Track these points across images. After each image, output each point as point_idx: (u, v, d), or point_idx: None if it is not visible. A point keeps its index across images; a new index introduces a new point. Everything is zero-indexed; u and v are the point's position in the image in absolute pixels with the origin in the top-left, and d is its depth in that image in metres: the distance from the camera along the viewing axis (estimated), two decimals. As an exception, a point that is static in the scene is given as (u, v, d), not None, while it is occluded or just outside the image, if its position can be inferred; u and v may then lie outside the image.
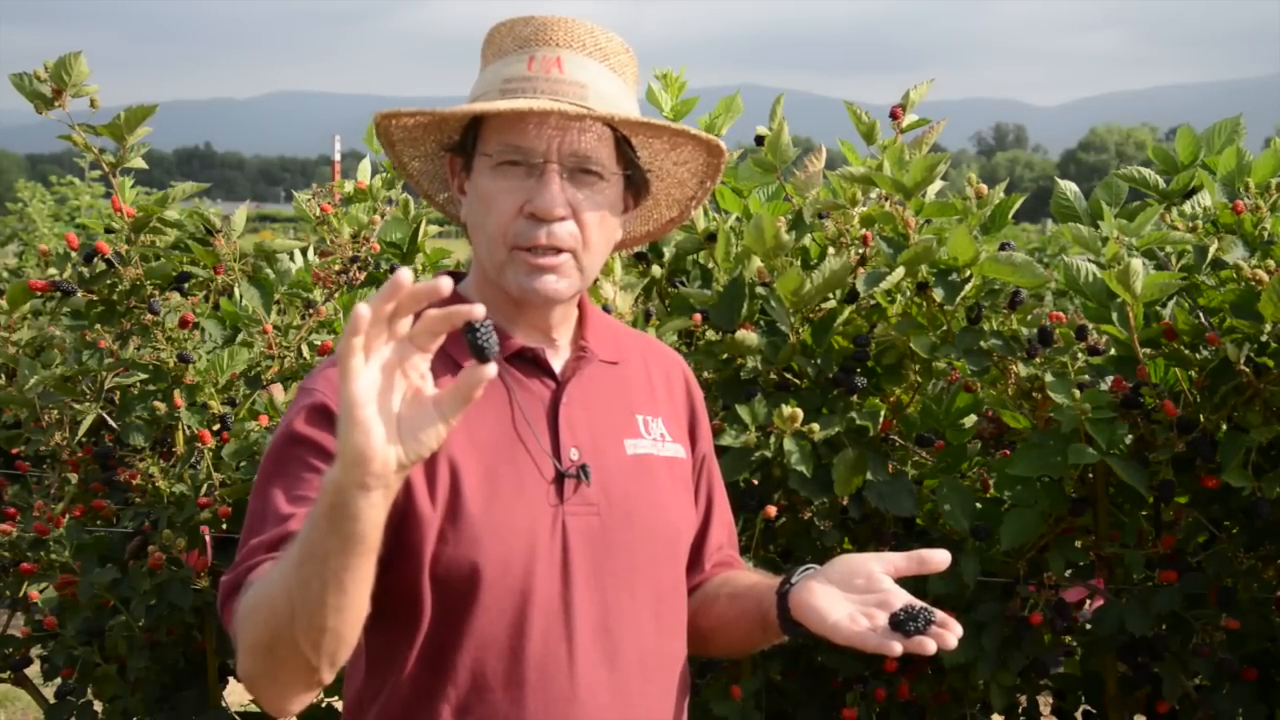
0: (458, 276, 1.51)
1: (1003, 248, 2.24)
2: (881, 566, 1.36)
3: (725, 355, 2.30)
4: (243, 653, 1.23)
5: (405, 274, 1.03)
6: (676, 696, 1.47)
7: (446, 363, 1.41)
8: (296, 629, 1.16)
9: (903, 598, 1.31)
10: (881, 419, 2.24)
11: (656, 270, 2.52)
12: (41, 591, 2.57)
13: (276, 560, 1.23)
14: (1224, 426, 2.12)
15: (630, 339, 1.59)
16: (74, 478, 2.66)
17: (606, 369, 1.50)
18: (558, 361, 1.46)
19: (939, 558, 1.34)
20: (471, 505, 1.34)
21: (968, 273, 2.20)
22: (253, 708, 2.71)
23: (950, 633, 1.26)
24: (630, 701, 1.39)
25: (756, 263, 2.30)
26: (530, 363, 1.44)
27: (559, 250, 1.37)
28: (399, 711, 1.37)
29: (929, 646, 1.25)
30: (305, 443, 1.32)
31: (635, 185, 1.47)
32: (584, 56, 1.41)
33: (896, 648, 1.25)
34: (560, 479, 1.39)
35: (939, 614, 1.28)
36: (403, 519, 1.33)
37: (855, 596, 1.34)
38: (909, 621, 1.27)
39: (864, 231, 2.26)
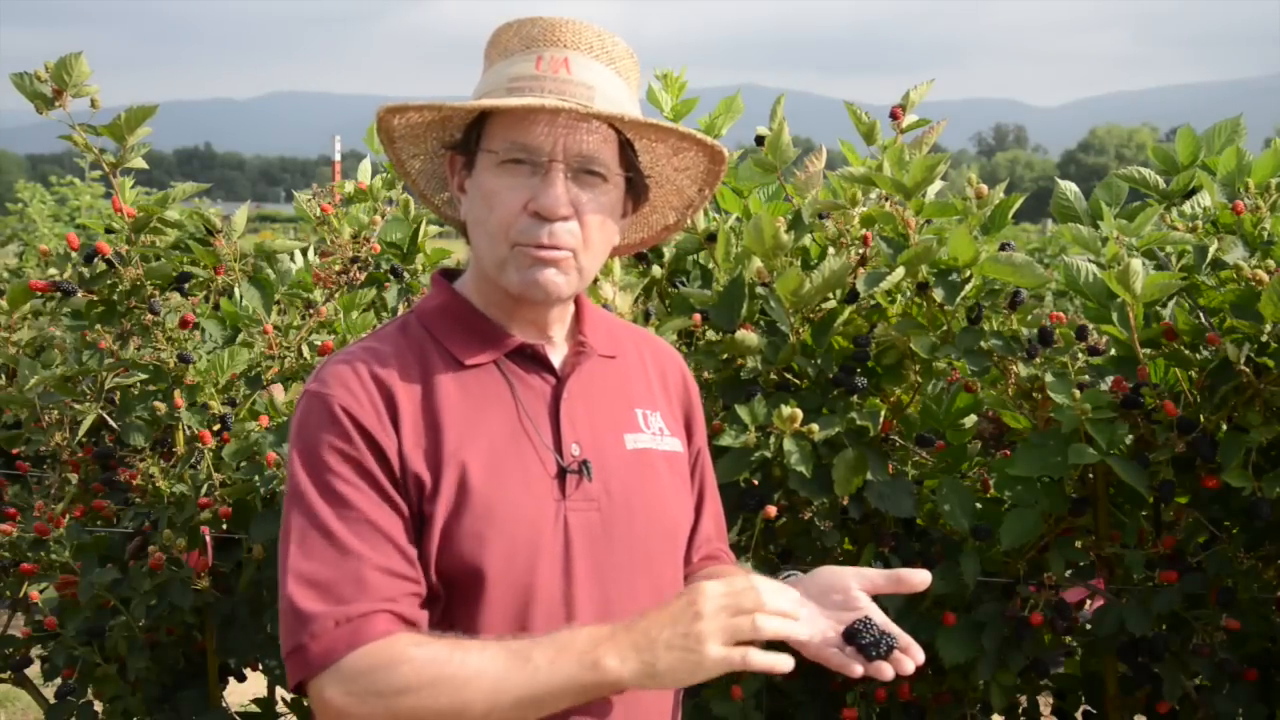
0: (455, 274, 1.52)
1: (1003, 248, 2.24)
2: (860, 583, 1.39)
3: (725, 355, 2.30)
4: (395, 714, 1.23)
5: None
6: (675, 690, 1.47)
7: (446, 358, 1.41)
8: None
9: (874, 616, 1.35)
10: (881, 419, 2.25)
11: (656, 270, 2.52)
12: (42, 591, 2.57)
13: (458, 647, 1.26)
14: (1224, 426, 2.12)
15: (626, 332, 1.59)
16: (74, 478, 2.66)
17: (605, 363, 1.50)
18: (556, 357, 1.47)
19: (918, 578, 1.38)
20: (478, 501, 1.34)
21: (968, 273, 2.20)
22: (253, 708, 2.71)
23: (910, 658, 1.32)
24: (631, 695, 1.39)
25: (756, 263, 2.30)
26: (530, 359, 1.44)
27: (559, 248, 1.38)
28: None
29: (886, 672, 1.31)
30: (341, 462, 1.32)
31: (635, 190, 1.47)
32: (591, 59, 1.41)
33: (857, 669, 1.32)
34: (562, 474, 1.40)
35: (902, 640, 1.33)
36: (418, 518, 1.34)
37: (830, 613, 1.38)
38: (872, 647, 1.32)
39: (864, 231, 2.26)
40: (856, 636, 1.33)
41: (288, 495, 1.34)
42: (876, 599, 1.41)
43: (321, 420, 1.34)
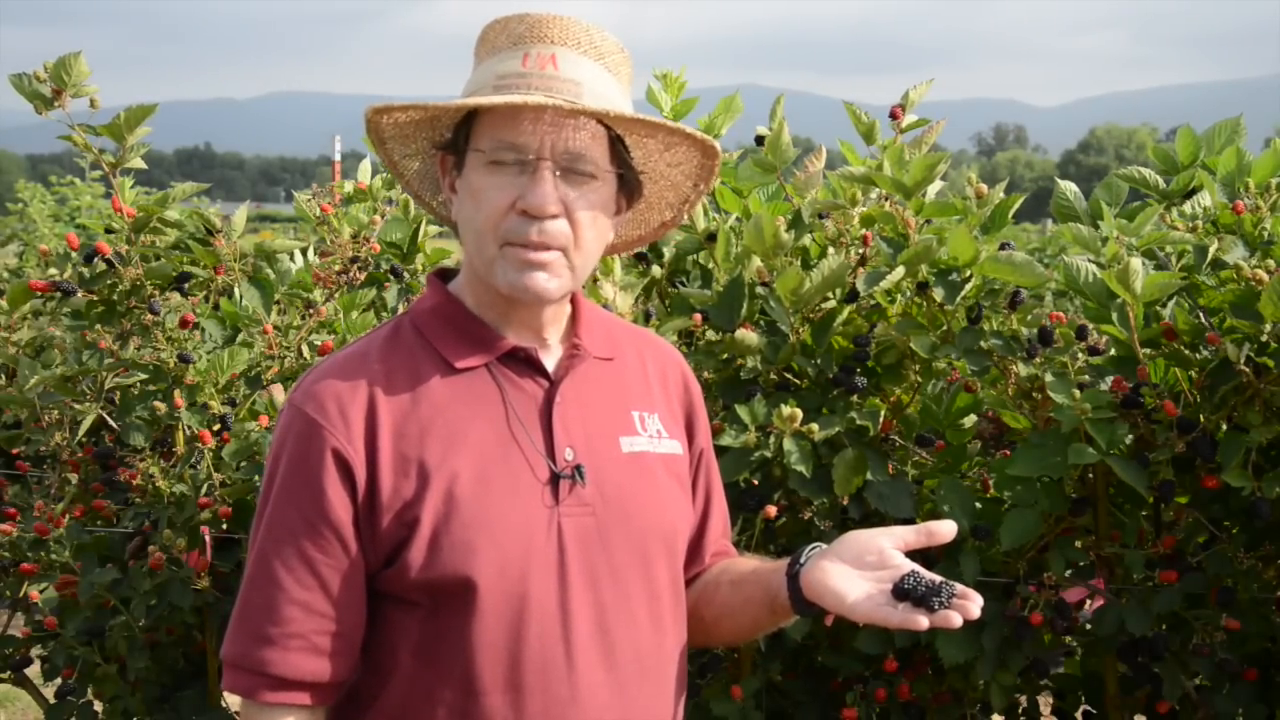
0: (451, 274, 1.51)
1: (1003, 247, 2.24)
2: (891, 542, 1.38)
3: (725, 355, 2.30)
4: None
5: None
6: (674, 694, 1.47)
7: (436, 361, 1.41)
8: None
9: (918, 569, 1.34)
10: (881, 419, 2.24)
11: (656, 270, 2.51)
12: (41, 591, 2.57)
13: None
14: (1224, 426, 2.12)
15: (625, 333, 1.58)
16: (74, 478, 2.66)
17: (601, 365, 1.49)
18: (550, 360, 1.46)
19: (946, 528, 1.38)
20: (466, 510, 1.34)
21: (968, 272, 2.20)
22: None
23: (972, 603, 1.29)
24: (628, 701, 1.39)
25: (756, 263, 2.30)
26: (522, 362, 1.43)
27: (549, 248, 1.37)
28: (395, 713, 1.37)
29: (954, 620, 1.27)
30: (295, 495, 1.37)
31: (628, 187, 1.46)
32: (579, 55, 1.39)
33: (923, 622, 1.28)
34: (555, 480, 1.39)
35: (959, 586, 1.31)
36: (401, 525, 1.33)
37: (869, 574, 1.37)
38: (931, 596, 1.29)
39: (864, 231, 2.26)
40: (910, 592, 1.30)
41: (260, 493, 1.41)
42: None
43: (288, 437, 1.38)
